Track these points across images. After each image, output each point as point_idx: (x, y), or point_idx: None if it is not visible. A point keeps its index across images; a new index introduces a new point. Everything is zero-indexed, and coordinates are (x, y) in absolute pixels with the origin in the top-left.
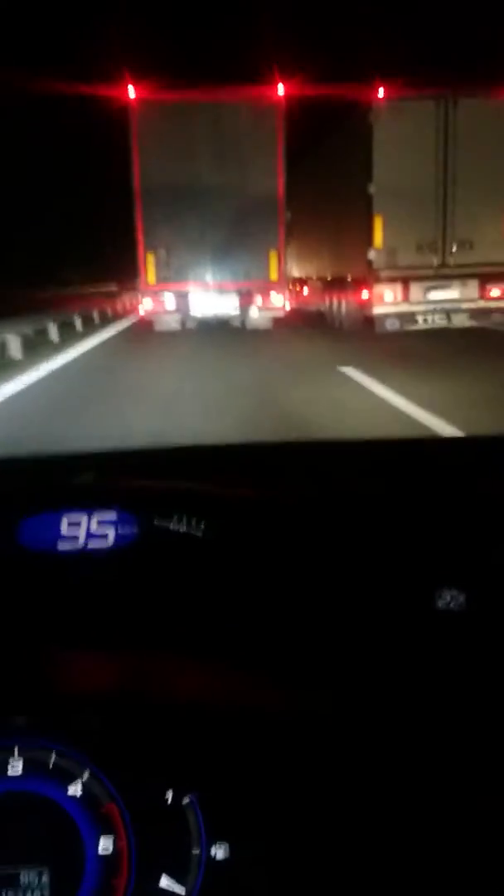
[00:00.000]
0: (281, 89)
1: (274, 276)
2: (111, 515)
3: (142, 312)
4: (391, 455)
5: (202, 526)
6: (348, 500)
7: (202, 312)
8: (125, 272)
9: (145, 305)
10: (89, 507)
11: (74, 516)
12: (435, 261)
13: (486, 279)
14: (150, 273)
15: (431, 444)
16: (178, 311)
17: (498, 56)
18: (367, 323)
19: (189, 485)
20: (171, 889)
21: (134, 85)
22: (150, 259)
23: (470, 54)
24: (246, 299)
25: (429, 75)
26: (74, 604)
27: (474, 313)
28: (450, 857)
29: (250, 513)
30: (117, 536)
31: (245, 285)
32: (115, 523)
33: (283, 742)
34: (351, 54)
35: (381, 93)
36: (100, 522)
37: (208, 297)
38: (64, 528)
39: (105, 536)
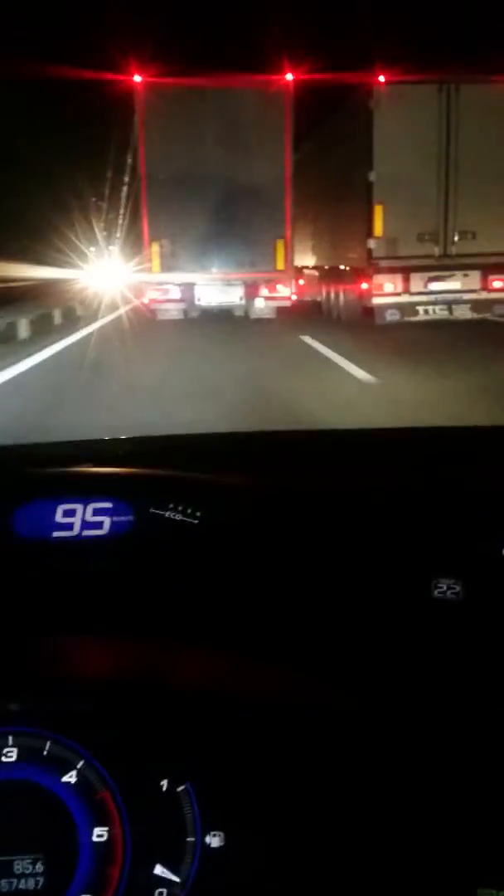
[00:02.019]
0: (289, 76)
1: (280, 265)
2: (106, 504)
3: (145, 301)
4: (387, 445)
5: (198, 514)
6: (344, 488)
7: (207, 302)
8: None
9: (149, 294)
10: (84, 496)
11: (69, 505)
12: (436, 251)
13: (488, 270)
14: (154, 262)
15: (427, 434)
16: (183, 301)
17: (502, 42)
18: (367, 314)
19: (184, 473)
20: (165, 877)
21: (140, 70)
22: (155, 248)
23: (473, 40)
24: (251, 289)
25: (431, 60)
26: (69, 591)
27: (476, 305)
28: (446, 845)
29: (246, 501)
30: (113, 525)
31: (251, 275)
32: (110, 512)
33: (278, 730)
34: (350, 39)
35: (381, 78)
36: (95, 511)
37: (213, 286)
38: (59, 516)
39: (100, 525)
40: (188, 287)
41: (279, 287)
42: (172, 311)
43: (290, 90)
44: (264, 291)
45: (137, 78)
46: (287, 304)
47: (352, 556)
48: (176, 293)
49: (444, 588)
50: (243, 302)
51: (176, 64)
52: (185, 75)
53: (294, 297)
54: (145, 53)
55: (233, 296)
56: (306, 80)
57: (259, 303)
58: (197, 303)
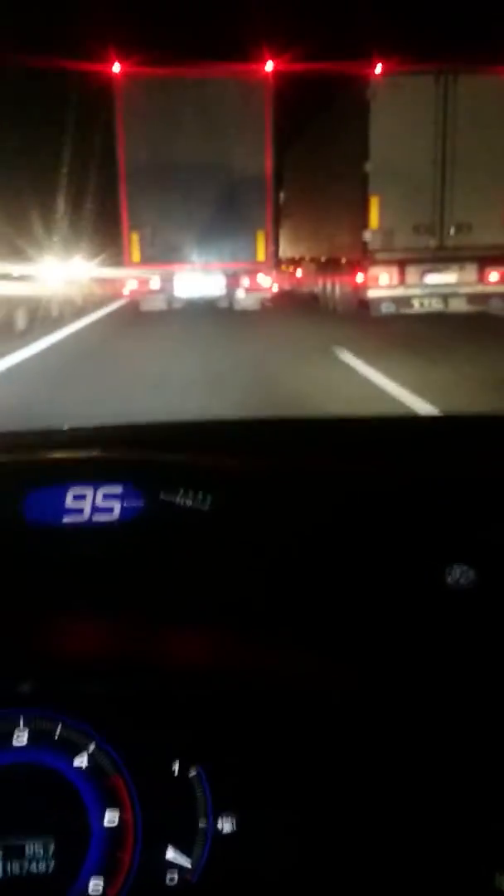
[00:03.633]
0: (269, 65)
1: (261, 256)
2: (117, 489)
3: (126, 293)
4: (399, 432)
5: (209, 499)
6: (356, 475)
7: (188, 293)
8: None
9: (130, 285)
10: (95, 481)
11: (79, 490)
12: (432, 243)
13: (484, 263)
14: (134, 252)
15: (435, 422)
16: (163, 292)
17: (500, 31)
18: (362, 306)
19: (195, 458)
20: (177, 861)
21: (119, 60)
22: (135, 238)
23: (471, 29)
24: (233, 280)
25: (428, 50)
26: (80, 575)
27: (472, 298)
28: (462, 830)
29: (257, 486)
30: (123, 510)
31: (231, 266)
32: (120, 497)
33: (290, 713)
34: (346, 28)
35: (378, 68)
36: (105, 496)
37: (194, 277)
38: (69, 501)
39: (111, 510)
40: (168, 278)
41: (259, 277)
42: (154, 303)
43: (269, 80)
44: (245, 282)
45: (117, 68)
46: (268, 295)
47: (363, 541)
48: (156, 283)
49: (458, 575)
50: (224, 293)
51: (156, 53)
52: (166, 65)
53: (275, 289)
54: (124, 43)
55: (214, 287)
56: (296, 71)
57: (241, 294)
58: (178, 294)
